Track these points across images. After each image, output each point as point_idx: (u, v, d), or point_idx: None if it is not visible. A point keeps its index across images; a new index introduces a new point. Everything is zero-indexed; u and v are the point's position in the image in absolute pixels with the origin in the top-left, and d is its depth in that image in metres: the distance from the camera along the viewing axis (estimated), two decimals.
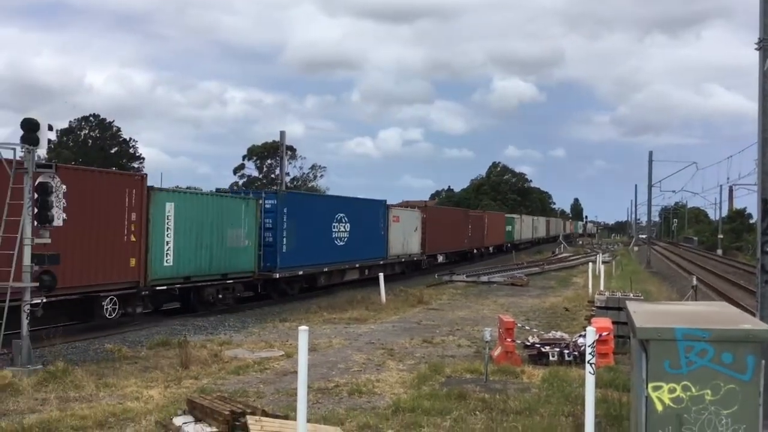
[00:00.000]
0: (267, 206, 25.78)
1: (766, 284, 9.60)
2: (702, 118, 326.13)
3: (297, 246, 26.57)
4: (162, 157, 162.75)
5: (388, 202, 41.11)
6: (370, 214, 34.42)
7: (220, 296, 23.14)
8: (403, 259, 38.22)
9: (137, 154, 79.32)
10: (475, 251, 55.56)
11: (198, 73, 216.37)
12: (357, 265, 32.45)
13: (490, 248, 61.64)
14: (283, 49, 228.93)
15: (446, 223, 47.36)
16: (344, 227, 31.13)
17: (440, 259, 46.31)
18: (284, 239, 25.98)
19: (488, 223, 59.47)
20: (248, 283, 25.27)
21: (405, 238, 38.24)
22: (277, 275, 25.72)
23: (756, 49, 9.75)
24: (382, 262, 34.71)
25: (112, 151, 77.14)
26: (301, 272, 27.49)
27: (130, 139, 79.29)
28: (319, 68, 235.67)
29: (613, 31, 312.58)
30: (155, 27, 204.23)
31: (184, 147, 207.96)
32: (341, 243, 30.89)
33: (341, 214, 30.91)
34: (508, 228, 69.49)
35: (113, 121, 78.75)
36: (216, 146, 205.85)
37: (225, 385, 11.77)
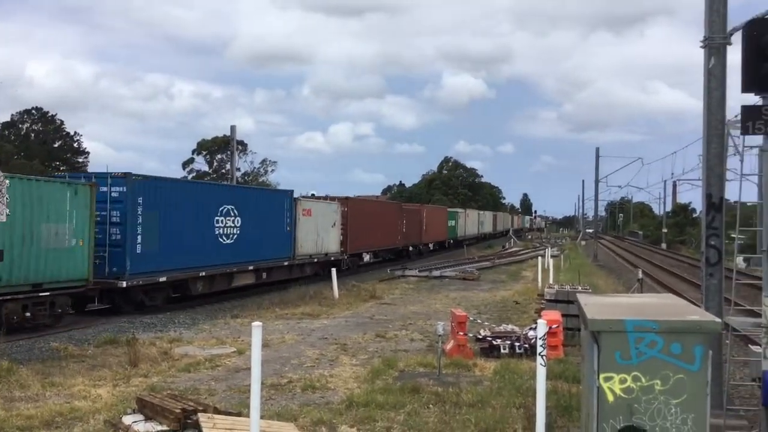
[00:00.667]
0: (114, 195, 20.62)
1: (710, 277, 9.86)
2: (646, 114, 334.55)
3: (160, 245, 21.81)
4: (107, 151, 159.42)
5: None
6: (271, 207, 29.42)
7: (28, 314, 17.39)
8: (316, 259, 33.33)
9: (82, 149, 77.44)
10: (411, 249, 51.75)
11: (144, 66, 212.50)
12: (251, 268, 27.61)
13: (430, 245, 58.11)
14: (232, 42, 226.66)
15: (374, 218, 42.47)
16: (233, 222, 26.17)
17: (366, 258, 41.86)
18: (138, 237, 20.91)
19: (427, 217, 55.65)
20: (83, 295, 19.67)
21: (319, 234, 33.68)
22: (126, 284, 20.33)
23: (701, 47, 9.98)
24: (287, 263, 30.50)
25: (56, 145, 75.13)
26: (163, 279, 22.15)
27: (75, 133, 77.27)
28: (269, 62, 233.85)
29: (560, 28, 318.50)
30: (100, 18, 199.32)
31: (130, 141, 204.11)
32: (228, 241, 25.91)
33: (228, 207, 25.94)
34: (451, 223, 65.35)
35: (56, 114, 76.71)
36: (163, 140, 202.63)
37: (176, 382, 11.59)
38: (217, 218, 25.33)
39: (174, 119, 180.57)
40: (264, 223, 28.41)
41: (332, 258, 34.58)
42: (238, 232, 26.58)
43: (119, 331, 17.66)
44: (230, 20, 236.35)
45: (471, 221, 76.26)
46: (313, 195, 39.46)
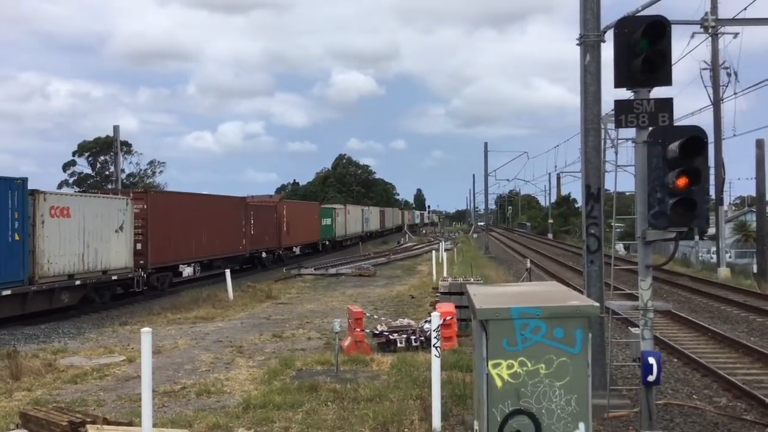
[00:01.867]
0: None
1: (591, 264, 10.34)
2: (530, 110, 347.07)
3: None
4: None
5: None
6: None
7: None
8: (78, 281, 22.80)
9: None
10: (264, 255, 41.86)
11: (16, 65, 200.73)
12: None
13: (295, 249, 49.18)
14: (110, 39, 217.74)
15: (197, 218, 32.09)
16: None
17: (187, 272, 31.92)
18: None
19: (289, 215, 46.39)
20: None
21: (89, 244, 23.47)
22: None
23: (577, 44, 10.44)
24: (7, 292, 19.62)
25: None
26: None
27: None
28: (151, 60, 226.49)
29: (445, 26, 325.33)
30: None
31: (3, 143, 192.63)
32: None
33: None
34: (326, 222, 57.45)
35: None
36: (40, 142, 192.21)
37: (61, 395, 11.08)
38: None
39: (51, 120, 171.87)
40: None
41: (116, 276, 25.16)
42: None
43: None
44: (106, 16, 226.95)
45: (353, 218, 69.82)
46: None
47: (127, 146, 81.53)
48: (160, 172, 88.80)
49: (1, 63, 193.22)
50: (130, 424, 8.43)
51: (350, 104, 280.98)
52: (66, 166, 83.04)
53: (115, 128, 42.77)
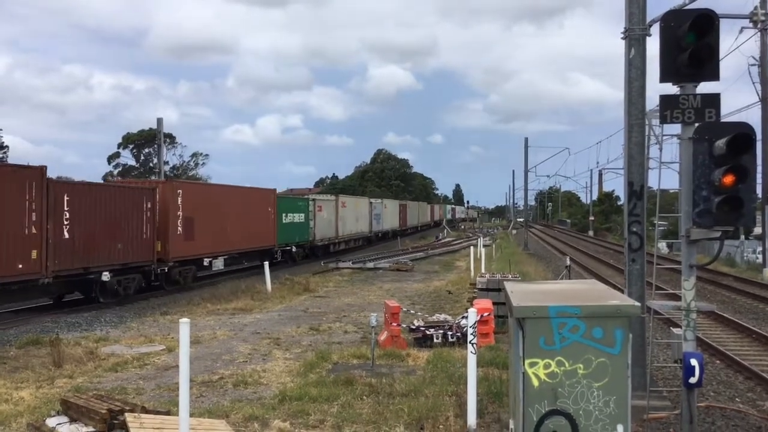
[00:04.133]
0: None
1: (633, 262, 10.15)
2: (568, 105, 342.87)
3: None
4: (25, 145, 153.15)
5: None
6: None
7: None
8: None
9: (1, 143, 74.45)
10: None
11: (60, 57, 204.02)
12: None
13: (207, 260, 28.88)
14: (151, 32, 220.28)
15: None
16: None
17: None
18: None
19: (187, 207, 26.84)
20: None
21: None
22: None
23: (622, 38, 10.24)
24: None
25: None
26: None
27: None
28: (191, 52, 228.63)
29: (483, 20, 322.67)
30: (8, 6, 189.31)
31: (48, 135, 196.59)
32: None
33: None
34: (293, 218, 38.46)
35: None
36: (83, 134, 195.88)
37: (102, 383, 11.28)
38: None
39: (94, 112, 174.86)
40: None
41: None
42: None
43: (42, 330, 17.10)
44: (147, 9, 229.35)
45: (351, 214, 49.89)
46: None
47: (171, 138, 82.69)
48: (203, 164, 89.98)
49: (45, 55, 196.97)
50: (167, 413, 8.53)
51: (388, 98, 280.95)
52: (111, 158, 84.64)
53: (159, 120, 43.39)
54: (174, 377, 10.98)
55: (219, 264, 30.28)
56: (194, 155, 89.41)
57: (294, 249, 38.95)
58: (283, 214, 37.20)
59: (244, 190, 34.06)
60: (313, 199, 43.48)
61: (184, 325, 6.96)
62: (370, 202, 58.14)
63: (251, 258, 33.39)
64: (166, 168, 75.07)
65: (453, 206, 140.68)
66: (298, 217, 39.69)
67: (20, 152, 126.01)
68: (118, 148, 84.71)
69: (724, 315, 18.21)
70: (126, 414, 7.96)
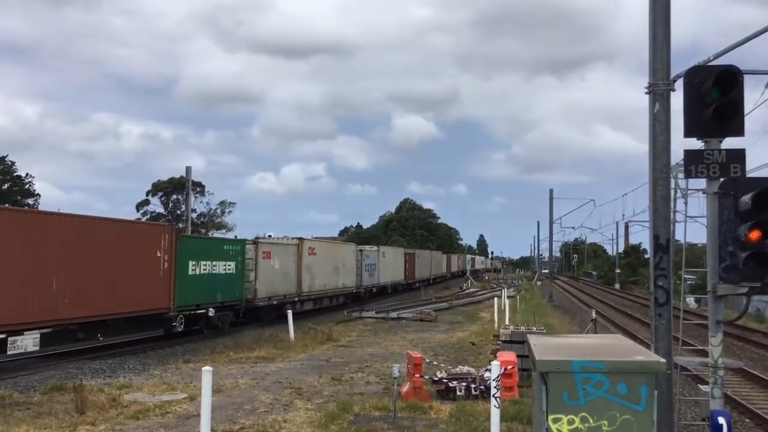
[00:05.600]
0: None
1: (659, 317, 10.01)
2: (592, 156, 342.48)
3: None
4: (55, 192, 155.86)
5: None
6: None
7: None
8: None
9: (32, 191, 75.88)
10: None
11: (90, 106, 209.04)
12: None
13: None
14: (179, 82, 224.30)
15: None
16: None
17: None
18: None
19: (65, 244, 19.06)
20: None
21: None
22: None
23: (646, 93, 10.30)
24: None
25: (4, 188, 73.42)
26: None
27: (27, 174, 75.79)
28: (217, 103, 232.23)
29: (504, 72, 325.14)
30: (42, 58, 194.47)
31: (78, 181, 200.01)
32: None
33: None
34: (210, 268, 27.43)
35: (6, 155, 75.16)
36: (112, 180, 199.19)
37: (124, 431, 11.28)
38: None
39: (123, 159, 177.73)
40: None
41: None
42: None
43: (66, 377, 17.16)
44: (176, 60, 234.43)
45: (326, 263, 39.83)
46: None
47: (200, 187, 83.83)
48: (229, 212, 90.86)
49: (75, 103, 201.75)
50: None
51: (411, 148, 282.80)
52: (139, 205, 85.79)
53: (188, 169, 44.07)
54: (195, 426, 10.94)
55: (26, 343, 18.00)
56: (222, 203, 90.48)
57: (212, 313, 27.40)
58: (191, 262, 26.18)
59: (103, 223, 21.90)
60: (255, 243, 32.33)
61: (207, 373, 7.00)
62: (360, 250, 47.67)
63: (117, 329, 22.25)
64: (193, 215, 75.89)
65: (473, 256, 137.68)
66: (223, 267, 28.61)
67: (50, 198, 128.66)
68: (147, 195, 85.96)
69: (754, 372, 17.81)
70: None
